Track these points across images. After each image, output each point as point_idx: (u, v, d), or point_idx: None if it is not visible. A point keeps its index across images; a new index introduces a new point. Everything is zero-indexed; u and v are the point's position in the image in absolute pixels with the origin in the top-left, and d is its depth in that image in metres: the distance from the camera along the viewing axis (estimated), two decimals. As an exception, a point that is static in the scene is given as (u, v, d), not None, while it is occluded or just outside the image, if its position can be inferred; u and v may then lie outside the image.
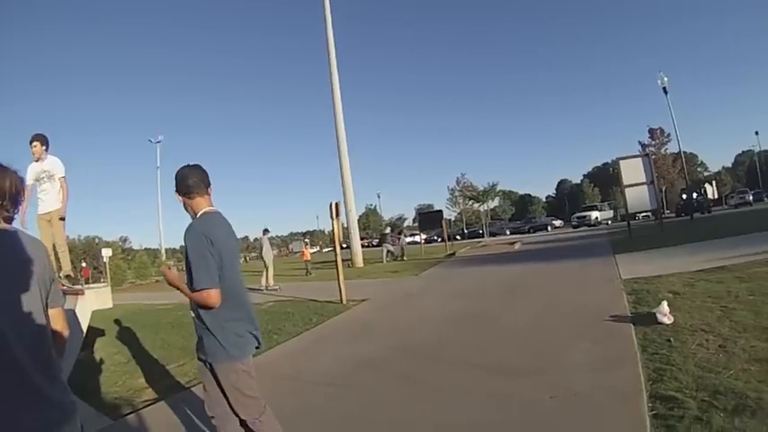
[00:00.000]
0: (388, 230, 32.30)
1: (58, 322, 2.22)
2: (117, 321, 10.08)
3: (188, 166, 3.17)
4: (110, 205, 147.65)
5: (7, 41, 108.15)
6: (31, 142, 6.66)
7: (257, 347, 3.19)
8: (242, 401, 3.02)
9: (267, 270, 16.13)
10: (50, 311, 2.18)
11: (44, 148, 6.77)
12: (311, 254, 23.89)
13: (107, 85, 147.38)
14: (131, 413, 4.88)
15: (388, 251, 25.40)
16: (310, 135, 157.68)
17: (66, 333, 2.33)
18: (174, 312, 11.76)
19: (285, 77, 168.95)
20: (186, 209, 3.14)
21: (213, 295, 2.84)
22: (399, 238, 28.33)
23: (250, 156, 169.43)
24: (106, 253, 26.00)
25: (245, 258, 69.85)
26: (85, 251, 41.14)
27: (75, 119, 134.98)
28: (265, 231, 17.59)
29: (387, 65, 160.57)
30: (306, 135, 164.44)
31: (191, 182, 3.06)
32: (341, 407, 4.49)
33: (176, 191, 3.13)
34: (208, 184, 3.15)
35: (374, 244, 59.72)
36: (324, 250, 71.11)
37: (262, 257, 16.67)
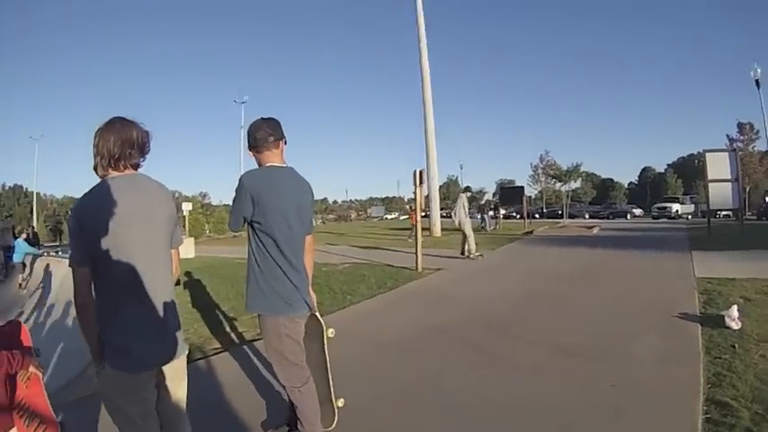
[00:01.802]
0: (484, 200, 32.68)
1: (175, 261, 2.37)
2: (195, 271, 10.50)
3: (261, 118, 2.97)
4: (191, 162, 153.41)
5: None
6: None
7: (307, 310, 2.99)
8: (284, 365, 2.91)
9: (466, 236, 12.89)
10: (171, 251, 2.34)
11: None
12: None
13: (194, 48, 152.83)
14: (201, 359, 5.03)
15: (485, 220, 26.72)
16: (395, 101, 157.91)
17: (179, 271, 2.47)
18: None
19: (373, 45, 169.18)
20: (259, 165, 2.96)
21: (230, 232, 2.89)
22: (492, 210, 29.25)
23: (335, 118, 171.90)
24: (186, 207, 26.04)
25: (323, 220, 71.01)
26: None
27: (163, 78, 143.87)
28: (466, 189, 14.28)
29: (475, 38, 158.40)
30: (391, 101, 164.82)
31: (258, 135, 2.88)
32: (411, 371, 4.57)
33: (248, 146, 2.97)
34: (279, 138, 2.92)
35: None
36: (401, 218, 70.87)
37: (456, 221, 13.11)
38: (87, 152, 2.22)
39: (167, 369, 2.22)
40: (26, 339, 2.51)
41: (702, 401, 3.56)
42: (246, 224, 2.89)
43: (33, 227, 26.30)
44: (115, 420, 2.13)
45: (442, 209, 27.60)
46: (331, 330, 3.20)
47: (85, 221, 2.03)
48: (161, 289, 2.18)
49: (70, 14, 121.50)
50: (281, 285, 2.83)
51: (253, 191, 2.77)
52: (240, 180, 2.83)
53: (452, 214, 13.62)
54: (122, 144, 2.13)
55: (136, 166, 2.23)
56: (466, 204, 13.10)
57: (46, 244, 19.68)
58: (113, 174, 2.15)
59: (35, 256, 16.53)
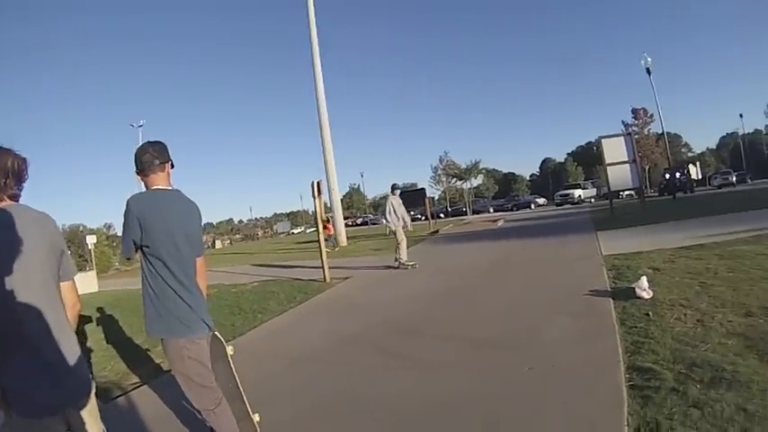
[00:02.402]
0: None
1: (70, 296, 2.24)
2: (103, 306, 9.94)
3: (147, 142, 3.01)
4: (93, 193, 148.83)
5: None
6: None
7: (208, 331, 2.98)
8: (193, 388, 2.91)
9: (398, 242, 11.78)
10: (62, 284, 2.20)
11: None
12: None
13: (87, 72, 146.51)
14: (121, 396, 4.84)
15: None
16: (291, 115, 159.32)
17: (78, 307, 2.35)
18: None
19: (267, 62, 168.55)
20: (146, 189, 2.98)
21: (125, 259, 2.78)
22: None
23: (233, 137, 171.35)
24: (91, 240, 25.29)
25: (230, 241, 70.17)
26: (70, 240, 41.36)
27: (55, 107, 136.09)
28: (394, 188, 12.40)
29: (368, 44, 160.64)
30: (287, 115, 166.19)
31: (144, 158, 2.90)
32: (326, 384, 4.48)
33: (135, 170, 2.98)
34: (164, 161, 2.96)
35: (358, 223, 59.72)
36: (308, 231, 70.75)
37: (386, 223, 12.51)
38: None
39: (78, 410, 2.12)
40: None
41: (624, 370, 3.61)
42: (138, 249, 2.88)
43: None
44: None
45: (346, 218, 27.54)
46: (230, 348, 3.31)
47: None
48: (54, 327, 2.05)
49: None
50: (174, 306, 2.83)
51: (139, 214, 2.77)
52: (127, 204, 2.81)
53: (385, 216, 12.42)
54: None
55: (14, 197, 2.13)
56: (395, 205, 11.99)
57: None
58: None
59: None
